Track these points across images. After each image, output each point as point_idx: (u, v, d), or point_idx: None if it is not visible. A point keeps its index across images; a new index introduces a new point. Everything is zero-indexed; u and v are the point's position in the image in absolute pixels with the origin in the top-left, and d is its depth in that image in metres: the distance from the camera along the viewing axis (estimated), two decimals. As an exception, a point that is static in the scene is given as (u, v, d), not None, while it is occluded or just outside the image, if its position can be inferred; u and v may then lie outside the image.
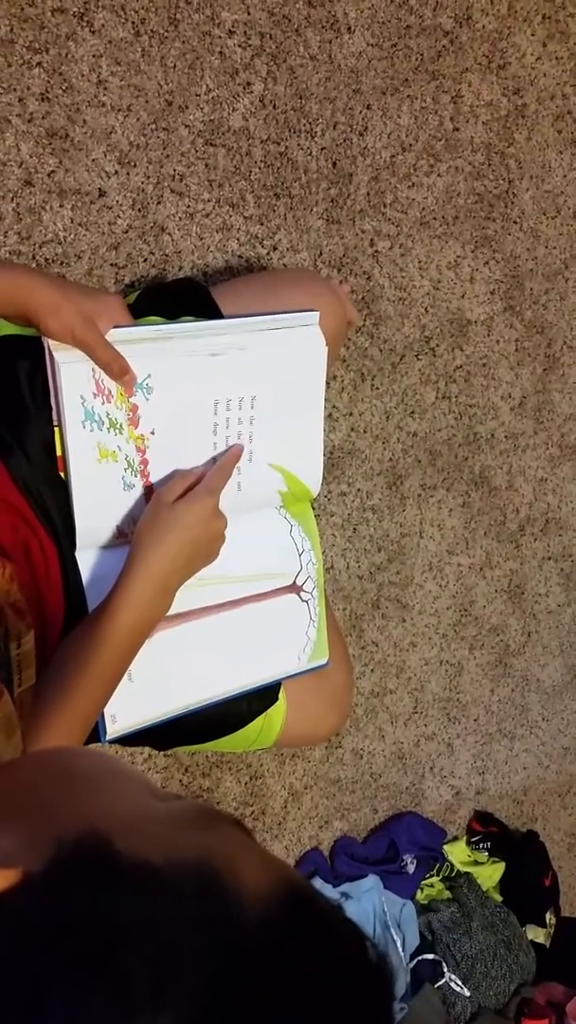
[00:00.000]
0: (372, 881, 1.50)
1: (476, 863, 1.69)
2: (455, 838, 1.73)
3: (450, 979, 1.51)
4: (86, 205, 1.16)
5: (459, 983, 1.51)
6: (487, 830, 1.72)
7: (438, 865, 1.63)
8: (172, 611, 0.83)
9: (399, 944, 1.49)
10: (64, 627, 0.85)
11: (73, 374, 0.78)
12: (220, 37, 1.21)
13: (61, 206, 1.14)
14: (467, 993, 1.51)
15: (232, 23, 1.22)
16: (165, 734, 0.96)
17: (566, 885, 1.87)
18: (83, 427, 0.80)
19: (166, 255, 1.23)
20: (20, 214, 1.12)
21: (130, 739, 0.92)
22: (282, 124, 1.28)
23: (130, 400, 0.81)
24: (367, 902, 1.48)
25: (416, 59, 1.39)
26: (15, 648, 0.69)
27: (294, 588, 0.98)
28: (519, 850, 1.73)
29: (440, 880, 1.64)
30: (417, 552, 1.56)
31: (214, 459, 0.88)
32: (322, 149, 1.32)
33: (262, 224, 1.29)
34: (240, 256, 1.29)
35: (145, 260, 1.21)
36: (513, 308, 1.57)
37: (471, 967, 1.53)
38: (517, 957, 1.59)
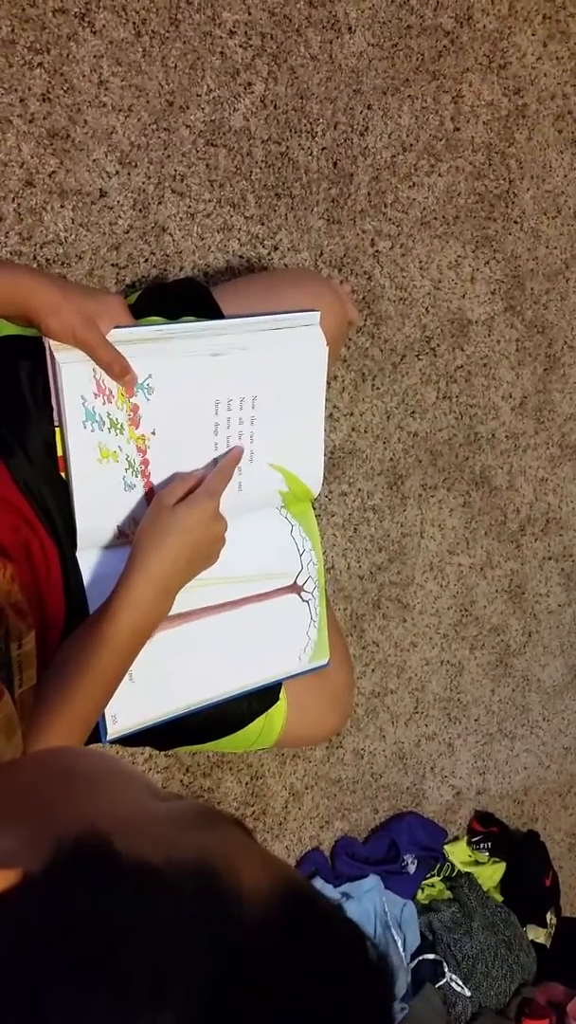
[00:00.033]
0: (373, 881, 1.50)
1: (477, 863, 1.69)
2: (456, 838, 1.73)
3: (451, 979, 1.51)
4: (87, 205, 1.16)
5: (460, 983, 1.51)
6: (488, 830, 1.72)
7: (439, 865, 1.63)
8: (173, 611, 0.83)
9: (400, 944, 1.49)
10: (65, 627, 0.85)
11: (74, 374, 0.78)
12: (221, 37, 1.21)
13: (62, 206, 1.14)
14: (468, 993, 1.51)
15: (233, 23, 1.22)
16: (166, 734, 0.96)
17: (567, 885, 1.87)
18: (84, 427, 0.80)
19: (167, 255, 1.23)
20: (21, 214, 1.12)
21: (131, 739, 0.92)
22: (283, 124, 1.28)
23: (131, 400, 0.81)
24: (368, 902, 1.48)
25: (417, 59, 1.39)
26: (16, 648, 0.70)
27: (295, 588, 0.98)
28: (520, 850, 1.73)
29: (441, 880, 1.64)
30: (418, 552, 1.56)
31: (215, 460, 0.88)
32: (323, 149, 1.32)
33: (263, 224, 1.29)
34: (241, 256, 1.29)
35: (146, 260, 1.21)
36: (514, 308, 1.57)
37: (472, 967, 1.53)
38: (518, 957, 1.59)
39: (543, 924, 1.71)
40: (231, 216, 1.27)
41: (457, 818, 1.74)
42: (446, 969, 1.51)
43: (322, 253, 1.36)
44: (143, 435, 0.83)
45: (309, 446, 0.94)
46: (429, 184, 1.44)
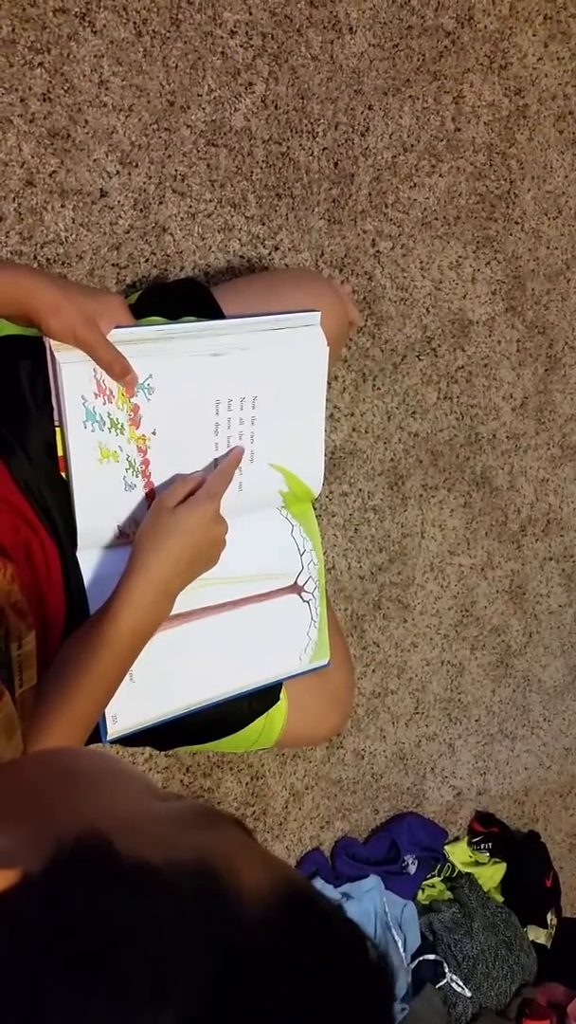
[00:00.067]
0: (373, 881, 1.50)
1: (477, 863, 1.69)
2: (456, 839, 1.72)
3: (451, 980, 1.51)
4: (88, 205, 1.16)
5: (460, 984, 1.51)
6: (488, 831, 1.72)
7: (439, 865, 1.63)
8: (173, 611, 0.83)
9: (400, 945, 1.49)
10: (65, 628, 0.85)
11: (74, 374, 0.78)
12: (222, 37, 1.21)
13: (63, 206, 1.14)
14: (468, 994, 1.51)
15: (234, 23, 1.22)
16: (166, 734, 0.96)
17: (567, 886, 1.87)
18: (84, 427, 0.80)
19: (167, 255, 1.23)
20: (22, 214, 1.12)
21: (131, 739, 0.92)
22: (284, 124, 1.28)
23: (131, 400, 0.81)
24: (368, 902, 1.48)
25: (418, 59, 1.39)
26: (16, 649, 0.70)
27: (295, 588, 0.98)
28: (520, 851, 1.73)
29: (441, 880, 1.64)
30: (418, 552, 1.56)
31: (215, 460, 0.88)
32: (324, 149, 1.32)
33: (264, 224, 1.29)
34: (242, 256, 1.29)
35: (147, 260, 1.21)
36: (515, 308, 1.57)
37: (472, 968, 1.53)
38: (518, 958, 1.59)
39: (544, 925, 1.71)
40: (232, 216, 1.27)
41: (458, 819, 1.74)
42: (446, 970, 1.51)
43: (323, 253, 1.36)
44: (143, 435, 0.83)
45: (310, 446, 0.94)
46: (430, 184, 1.44)
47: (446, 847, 1.67)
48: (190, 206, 1.23)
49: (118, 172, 1.17)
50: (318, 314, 0.89)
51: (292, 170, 1.30)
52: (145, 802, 0.36)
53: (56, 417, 0.81)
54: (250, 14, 1.23)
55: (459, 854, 1.69)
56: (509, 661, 1.73)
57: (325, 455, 0.97)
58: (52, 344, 0.77)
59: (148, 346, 0.80)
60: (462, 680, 1.67)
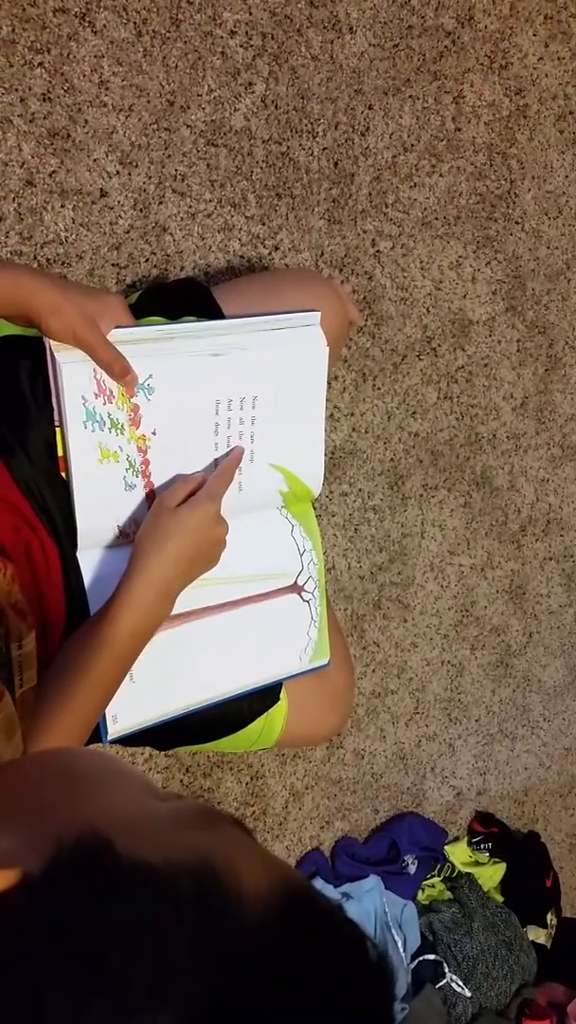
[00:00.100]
0: (373, 881, 1.50)
1: (477, 864, 1.69)
2: (456, 839, 1.72)
3: (451, 980, 1.51)
4: (88, 205, 1.16)
5: (460, 984, 1.51)
6: (488, 831, 1.72)
7: (439, 865, 1.63)
8: (173, 611, 0.83)
9: (400, 944, 1.49)
10: (66, 628, 0.85)
11: (74, 374, 0.78)
12: (222, 37, 1.21)
13: (63, 206, 1.14)
14: (468, 994, 1.51)
15: (234, 23, 1.22)
16: (166, 734, 0.96)
17: (567, 886, 1.87)
18: (84, 427, 0.80)
19: (168, 255, 1.23)
20: (22, 214, 1.12)
21: (131, 739, 0.92)
22: (284, 124, 1.28)
23: (131, 400, 0.81)
24: (368, 902, 1.48)
25: (418, 59, 1.39)
26: (16, 649, 0.70)
27: (295, 588, 0.98)
28: (520, 851, 1.73)
29: (441, 880, 1.64)
30: (418, 552, 1.56)
31: (215, 460, 0.88)
32: (324, 149, 1.32)
33: (264, 224, 1.29)
34: (242, 256, 1.29)
35: (147, 260, 1.21)
36: (515, 308, 1.57)
37: (472, 968, 1.53)
38: (518, 958, 1.59)
39: (543, 925, 1.71)
40: (232, 216, 1.27)
41: (458, 818, 1.74)
42: (446, 970, 1.51)
43: (323, 253, 1.36)
44: (144, 435, 0.83)
45: (310, 446, 0.94)
46: (430, 184, 1.44)
47: (446, 847, 1.67)
48: (190, 206, 1.23)
49: (118, 172, 1.17)
50: (318, 314, 0.89)
51: (292, 170, 1.30)
52: (145, 802, 0.36)
53: (56, 417, 0.81)
54: (250, 14, 1.23)
55: (459, 854, 1.69)
56: (509, 661, 1.73)
57: (325, 455, 0.97)
58: (52, 344, 0.77)
59: (148, 346, 0.80)
60: (462, 680, 1.67)
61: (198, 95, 1.21)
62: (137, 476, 0.84)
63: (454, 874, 1.64)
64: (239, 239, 1.28)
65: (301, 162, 1.31)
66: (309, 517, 0.99)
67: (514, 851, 1.72)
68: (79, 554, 0.85)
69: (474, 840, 1.71)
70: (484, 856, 1.70)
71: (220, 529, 0.83)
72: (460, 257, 1.49)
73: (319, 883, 1.49)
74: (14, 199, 1.12)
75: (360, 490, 1.47)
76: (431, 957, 1.52)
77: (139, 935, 0.28)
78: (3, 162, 1.10)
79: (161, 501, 0.82)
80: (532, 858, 1.73)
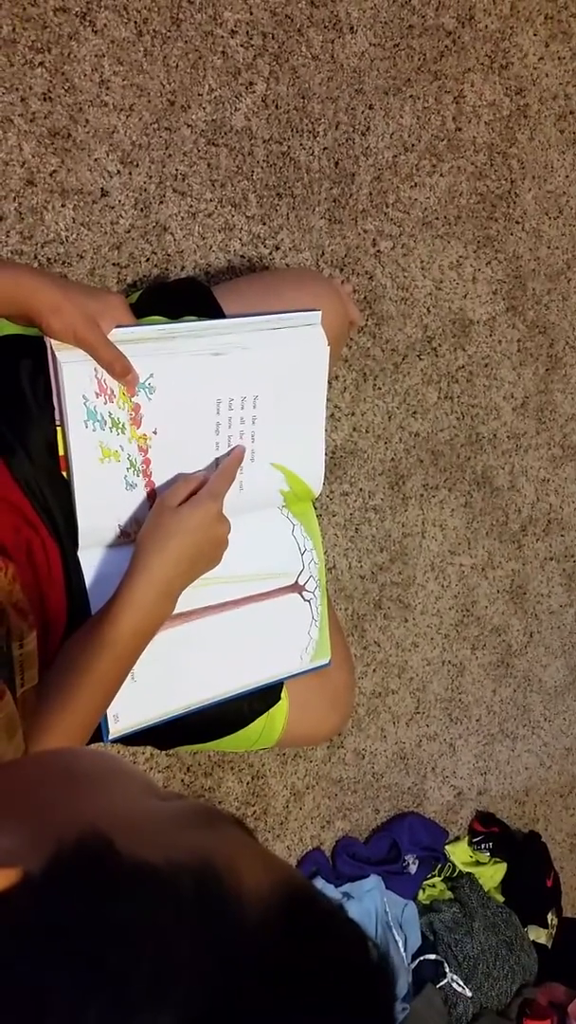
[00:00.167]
0: (374, 881, 1.50)
1: (478, 863, 1.69)
2: (457, 838, 1.72)
3: (452, 979, 1.51)
4: (88, 205, 1.16)
5: (461, 983, 1.51)
6: (489, 830, 1.72)
7: (440, 865, 1.63)
8: (175, 610, 0.83)
9: (401, 944, 1.49)
10: (67, 627, 0.85)
11: (75, 374, 0.78)
12: (222, 37, 1.21)
13: (63, 206, 1.14)
14: (469, 993, 1.51)
15: (235, 23, 1.22)
16: (167, 734, 0.96)
17: (568, 886, 1.87)
18: (85, 427, 0.80)
19: (168, 255, 1.23)
20: (22, 214, 1.12)
21: (132, 738, 0.92)
22: (284, 124, 1.28)
23: (132, 400, 0.81)
24: (369, 902, 1.48)
25: (418, 59, 1.39)
26: (17, 648, 0.69)
27: (296, 588, 0.98)
28: (521, 850, 1.73)
29: (442, 880, 1.64)
30: (419, 552, 1.56)
31: (216, 459, 0.88)
32: (324, 149, 1.32)
33: (264, 224, 1.29)
34: (242, 256, 1.29)
35: (147, 260, 1.21)
36: (515, 308, 1.57)
37: (473, 967, 1.53)
38: (519, 958, 1.59)
39: (544, 925, 1.71)
40: (232, 216, 1.27)
41: (458, 818, 1.74)
42: (447, 969, 1.51)
43: (323, 253, 1.36)
44: (144, 434, 0.83)
45: (310, 446, 0.94)
46: (431, 184, 1.44)
47: (447, 847, 1.67)
48: (191, 205, 1.23)
49: (119, 171, 1.17)
50: (319, 313, 0.89)
51: (293, 170, 1.30)
52: (146, 802, 0.36)
53: (57, 416, 0.81)
54: (251, 14, 1.23)
55: (460, 854, 1.69)
56: (510, 661, 1.72)
57: (326, 455, 0.97)
58: (53, 344, 0.77)
59: (149, 345, 0.80)
60: (463, 680, 1.67)
61: (199, 95, 1.21)
62: (138, 475, 0.84)
63: (455, 874, 1.64)
64: (240, 239, 1.28)
65: (302, 162, 1.31)
66: (310, 516, 0.99)
67: (515, 851, 1.72)
68: (80, 553, 0.85)
69: (475, 840, 1.71)
70: (485, 856, 1.70)
71: (222, 528, 0.83)
72: (461, 257, 1.49)
73: (320, 883, 1.49)
74: (15, 198, 1.12)
75: (361, 490, 1.47)
76: (432, 957, 1.52)
77: (140, 935, 0.28)
78: (4, 161, 1.10)
79: (163, 500, 0.82)
80: (533, 858, 1.73)
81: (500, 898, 1.68)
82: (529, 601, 1.72)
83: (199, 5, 1.19)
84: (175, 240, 1.23)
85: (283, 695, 1.03)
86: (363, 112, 1.35)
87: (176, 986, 0.27)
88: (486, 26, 1.45)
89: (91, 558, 0.85)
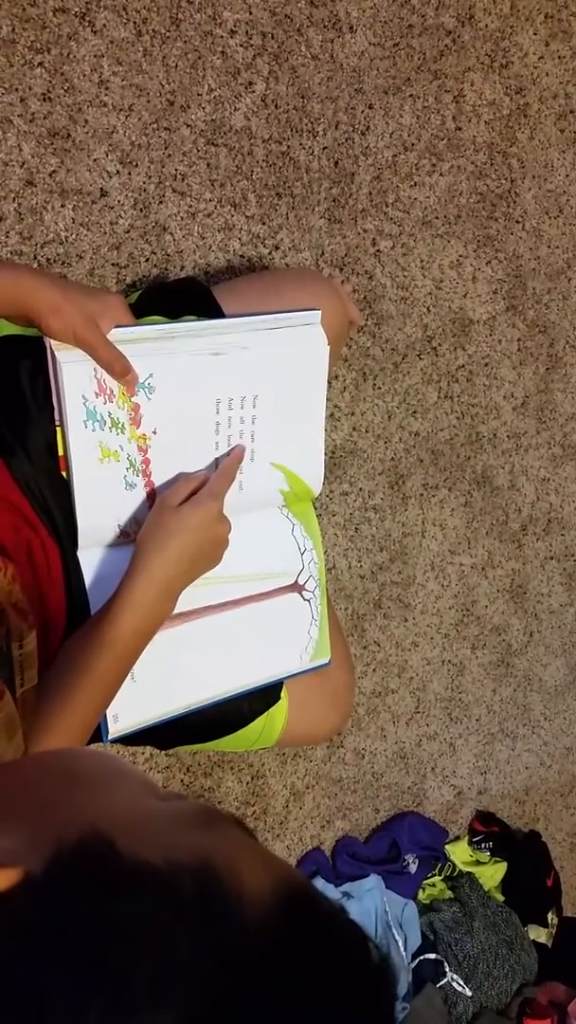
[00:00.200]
0: (374, 881, 1.50)
1: (478, 863, 1.69)
2: (457, 838, 1.73)
3: (452, 979, 1.51)
4: (88, 205, 1.16)
5: (461, 983, 1.51)
6: (489, 830, 1.72)
7: (440, 865, 1.63)
8: (174, 610, 0.83)
9: (401, 944, 1.49)
10: (67, 627, 0.85)
11: (75, 374, 0.78)
12: (222, 37, 1.21)
13: (63, 206, 1.14)
14: (469, 993, 1.51)
15: (234, 23, 1.22)
16: (167, 733, 0.96)
17: (568, 885, 1.87)
18: (85, 427, 0.80)
19: (168, 255, 1.23)
20: (22, 214, 1.12)
21: (132, 738, 0.92)
22: (284, 124, 1.28)
23: (132, 400, 0.81)
24: (369, 902, 1.48)
25: (418, 58, 1.39)
26: (17, 648, 0.69)
27: (296, 587, 0.98)
28: (521, 850, 1.73)
29: (442, 880, 1.64)
30: (419, 552, 1.56)
31: (216, 459, 0.88)
32: (324, 148, 1.32)
33: (264, 223, 1.29)
34: (242, 255, 1.28)
35: (147, 260, 1.21)
36: (515, 308, 1.57)
37: (473, 967, 1.53)
38: (519, 957, 1.59)
39: (544, 924, 1.71)
40: (232, 215, 1.27)
41: (458, 818, 1.74)
42: (447, 969, 1.51)
43: (323, 252, 1.35)
44: (144, 434, 0.83)
45: (310, 445, 0.94)
46: (431, 183, 1.44)
47: (447, 846, 1.67)
48: (190, 205, 1.23)
49: (118, 172, 1.17)
50: (318, 313, 0.89)
51: (292, 169, 1.30)
52: (146, 802, 0.36)
53: (57, 416, 0.81)
54: (250, 13, 1.23)
55: (460, 853, 1.69)
56: (510, 660, 1.72)
57: (326, 454, 0.97)
58: (52, 344, 0.77)
59: (148, 345, 0.80)
60: (463, 679, 1.67)
61: (198, 94, 1.21)
62: (138, 475, 0.84)
63: (455, 873, 1.64)
64: (239, 238, 1.28)
65: (301, 161, 1.31)
66: (310, 516, 0.99)
67: (515, 850, 1.72)
68: (80, 553, 0.85)
69: (475, 839, 1.71)
70: (485, 855, 1.70)
71: (222, 528, 0.83)
72: (461, 256, 1.49)
73: (320, 882, 1.49)
74: (14, 199, 1.12)
75: (361, 489, 1.47)
76: (432, 956, 1.52)
77: (140, 935, 0.28)
78: (3, 162, 1.10)
79: (163, 500, 0.82)
80: (533, 857, 1.73)
81: (500, 897, 1.68)
82: (529, 600, 1.72)
83: (198, 5, 1.19)
84: (174, 240, 1.23)
85: (283, 695, 1.03)
86: (363, 111, 1.35)
87: (176, 986, 0.27)
88: (486, 25, 1.45)
89: (91, 558, 0.85)
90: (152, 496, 0.86)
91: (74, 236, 1.16)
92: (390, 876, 1.53)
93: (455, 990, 1.51)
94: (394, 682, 1.58)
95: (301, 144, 1.30)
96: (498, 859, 1.70)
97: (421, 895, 1.60)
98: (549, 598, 1.75)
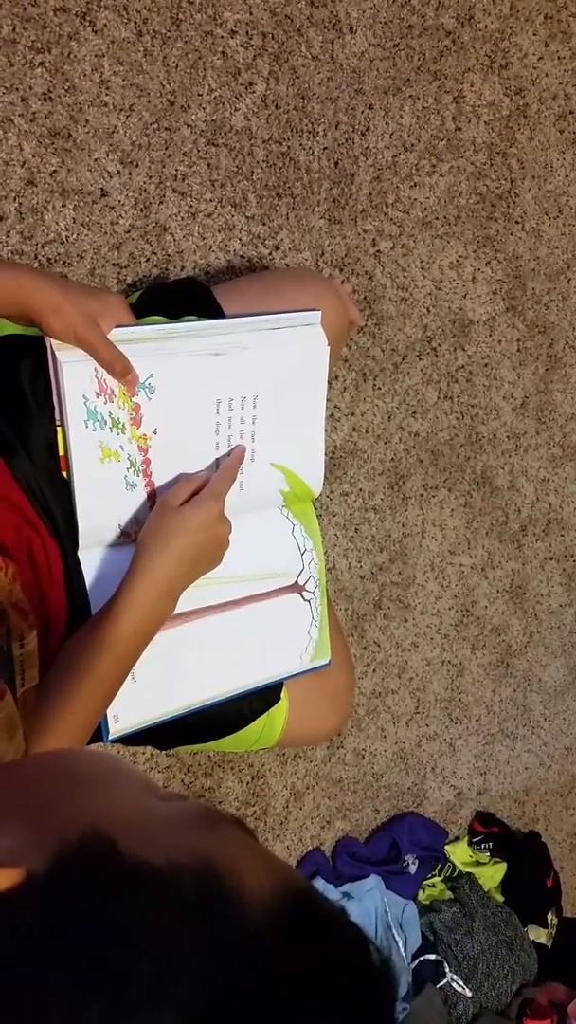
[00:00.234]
0: (374, 881, 1.50)
1: (478, 863, 1.69)
2: (457, 838, 1.72)
3: (452, 979, 1.51)
4: (88, 205, 1.16)
5: (461, 983, 1.51)
6: (489, 830, 1.72)
7: (440, 865, 1.63)
8: (175, 610, 0.83)
9: (401, 944, 1.49)
10: (67, 627, 0.85)
11: (75, 374, 0.78)
12: (222, 37, 1.21)
13: (63, 206, 1.14)
14: (469, 993, 1.51)
15: (234, 23, 1.22)
16: (167, 734, 0.96)
17: (568, 886, 1.87)
18: (85, 427, 0.80)
19: (168, 255, 1.23)
20: (23, 214, 1.12)
21: (133, 738, 0.92)
22: (284, 124, 1.28)
23: (132, 400, 0.81)
24: (369, 902, 1.48)
25: (418, 59, 1.39)
26: (18, 648, 0.69)
27: (296, 588, 0.98)
28: (521, 850, 1.73)
29: (442, 880, 1.64)
30: (419, 552, 1.56)
31: (216, 459, 0.88)
32: (324, 149, 1.32)
33: (264, 224, 1.29)
34: (242, 256, 1.29)
35: (147, 260, 1.21)
36: (515, 308, 1.57)
37: (473, 967, 1.53)
38: (519, 957, 1.59)
39: (544, 924, 1.71)
40: (232, 216, 1.27)
41: (458, 818, 1.74)
42: (447, 969, 1.51)
43: (323, 253, 1.36)
44: (145, 434, 0.83)
45: (310, 446, 0.94)
46: (430, 184, 1.44)
47: (446, 847, 1.67)
48: (191, 206, 1.23)
49: (119, 172, 1.17)
50: (319, 313, 0.89)
51: (292, 170, 1.30)
52: (147, 802, 0.36)
53: (57, 416, 0.81)
54: (250, 14, 1.23)
55: (460, 854, 1.69)
56: (510, 661, 1.73)
57: (326, 455, 0.97)
58: (53, 343, 0.77)
59: (149, 345, 0.80)
60: (463, 680, 1.67)
61: (199, 95, 1.21)
62: (138, 475, 0.84)
63: (455, 874, 1.64)
64: (239, 239, 1.28)
65: (301, 162, 1.31)
66: (310, 517, 0.99)
67: (515, 851, 1.72)
68: (80, 553, 0.85)
69: (475, 840, 1.71)
70: (485, 856, 1.70)
71: (223, 528, 0.83)
72: (460, 257, 1.49)
73: (320, 883, 1.49)
74: (15, 198, 1.12)
75: (361, 490, 1.47)
76: (432, 957, 1.52)
77: (141, 935, 0.28)
78: (4, 161, 1.10)
79: (164, 500, 0.82)
80: (533, 858, 1.73)
81: (500, 898, 1.68)
82: (529, 601, 1.72)
83: (199, 5, 1.19)
84: (175, 240, 1.23)
85: (283, 695, 1.03)
86: (363, 112, 1.35)
87: (177, 987, 0.27)
88: (486, 26, 1.45)
89: (91, 558, 0.85)
90: (153, 496, 0.86)
91: (75, 236, 1.16)
92: (390, 876, 1.53)
93: (455, 990, 1.51)
94: (394, 682, 1.58)
95: (301, 144, 1.30)
96: (498, 860, 1.70)
97: (421, 895, 1.60)
98: (549, 598, 1.75)
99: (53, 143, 1.13)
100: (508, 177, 1.52)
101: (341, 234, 1.36)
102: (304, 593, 0.99)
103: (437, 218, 1.45)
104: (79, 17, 1.12)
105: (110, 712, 0.87)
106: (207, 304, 0.98)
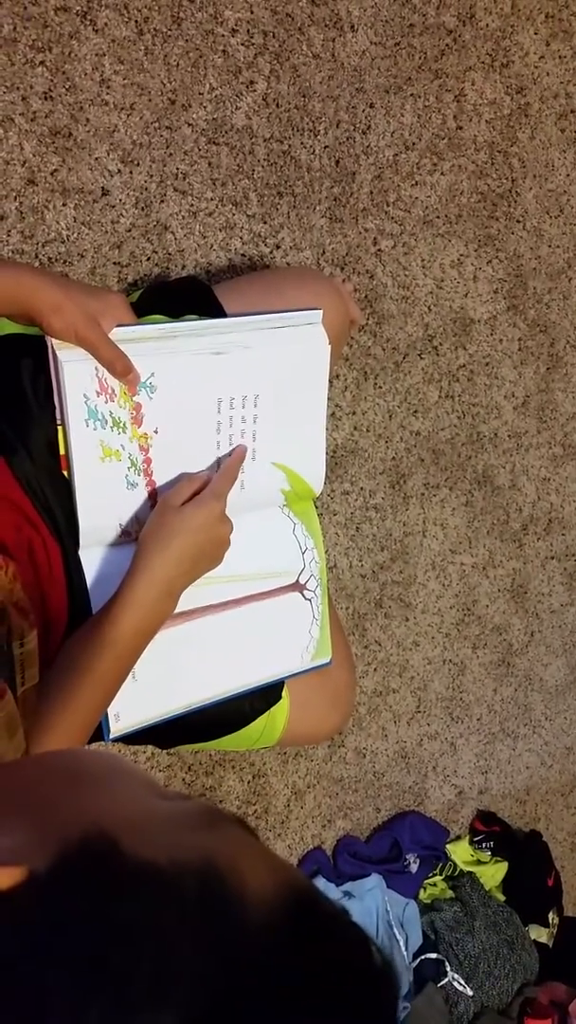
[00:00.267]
0: (375, 880, 1.50)
1: (479, 862, 1.69)
2: (458, 837, 1.72)
3: (453, 978, 1.51)
4: (89, 204, 1.16)
5: (462, 982, 1.51)
6: (490, 829, 1.72)
7: (441, 864, 1.63)
8: (176, 610, 0.83)
9: (402, 943, 1.49)
10: (68, 626, 0.85)
11: (76, 373, 0.78)
12: (223, 36, 1.21)
13: (64, 205, 1.14)
14: (470, 992, 1.51)
15: (235, 21, 1.22)
16: (168, 733, 0.96)
17: (569, 885, 1.87)
18: (86, 426, 0.80)
19: (169, 254, 1.23)
20: (23, 213, 1.12)
21: (133, 738, 0.92)
22: (285, 122, 1.28)
23: (133, 399, 0.81)
24: (370, 901, 1.48)
25: (419, 58, 1.38)
26: (18, 647, 0.69)
27: (297, 587, 0.98)
28: (522, 850, 1.73)
29: (443, 879, 1.64)
30: (420, 551, 1.56)
31: (217, 459, 0.88)
32: (325, 148, 1.32)
33: (265, 223, 1.29)
34: (243, 255, 1.28)
35: (148, 259, 1.21)
36: (516, 307, 1.57)
37: (474, 966, 1.53)
38: (520, 957, 1.59)
39: (545, 924, 1.71)
40: (233, 214, 1.26)
41: (459, 817, 1.74)
42: (448, 968, 1.51)
43: (324, 252, 1.35)
44: (145, 434, 0.83)
45: (311, 444, 0.94)
46: (431, 183, 1.44)
47: (448, 846, 1.67)
48: (191, 204, 1.23)
49: (119, 170, 1.17)
50: (320, 312, 0.89)
51: (293, 168, 1.30)
52: (148, 801, 0.36)
53: (58, 415, 0.81)
54: (251, 12, 1.23)
55: (461, 853, 1.69)
56: (511, 660, 1.72)
57: (327, 454, 0.97)
58: (54, 343, 0.77)
59: (150, 344, 0.80)
60: (464, 679, 1.67)
61: (199, 93, 1.21)
62: (139, 475, 0.84)
63: (456, 873, 1.64)
64: (240, 237, 1.28)
65: (302, 160, 1.30)
66: (311, 516, 0.99)
67: (516, 850, 1.72)
68: (81, 553, 0.85)
69: (476, 839, 1.71)
70: (486, 855, 1.70)
71: (225, 528, 0.83)
72: (461, 256, 1.49)
73: (321, 882, 1.49)
74: (16, 198, 1.12)
75: (362, 489, 1.47)
76: (433, 956, 1.52)
77: (142, 935, 0.27)
78: (5, 161, 1.10)
79: (166, 500, 0.82)
80: (534, 857, 1.73)
81: (501, 897, 1.68)
82: (530, 600, 1.72)
83: (200, 4, 1.19)
84: (176, 239, 1.23)
85: (284, 694, 1.03)
86: (364, 111, 1.35)
87: (178, 986, 0.27)
88: (487, 25, 1.45)
89: (92, 557, 0.85)
90: (154, 495, 0.86)
91: (75, 235, 1.16)
92: (391, 875, 1.53)
93: (456, 990, 1.51)
94: (395, 681, 1.58)
95: (302, 143, 1.30)
96: (499, 859, 1.70)
97: (422, 894, 1.60)
98: (550, 598, 1.75)
99: (54, 142, 1.12)
100: (509, 176, 1.52)
101: (342, 233, 1.36)
102: (305, 592, 0.99)
103: (438, 217, 1.45)
104: (80, 16, 1.12)
105: (111, 711, 0.87)
106: (208, 303, 0.97)
